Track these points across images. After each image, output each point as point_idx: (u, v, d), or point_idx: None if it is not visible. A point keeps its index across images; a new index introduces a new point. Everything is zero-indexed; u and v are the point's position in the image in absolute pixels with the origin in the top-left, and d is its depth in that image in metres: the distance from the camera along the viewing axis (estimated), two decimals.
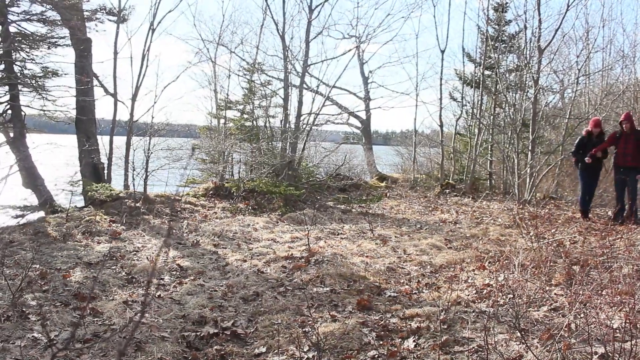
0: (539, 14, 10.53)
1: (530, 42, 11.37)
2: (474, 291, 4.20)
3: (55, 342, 3.13)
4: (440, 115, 13.96)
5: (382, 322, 3.55)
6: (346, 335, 3.30)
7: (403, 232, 7.03)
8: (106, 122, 10.84)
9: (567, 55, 13.93)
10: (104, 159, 10.15)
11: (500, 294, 3.99)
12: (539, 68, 10.57)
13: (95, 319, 3.56)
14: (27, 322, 3.41)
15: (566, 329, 3.07)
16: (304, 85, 11.88)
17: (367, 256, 5.53)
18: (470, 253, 5.54)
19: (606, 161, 8.63)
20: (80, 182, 8.55)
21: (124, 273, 4.75)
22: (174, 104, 53.16)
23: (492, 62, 12.50)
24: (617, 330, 2.99)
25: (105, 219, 7.08)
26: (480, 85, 13.01)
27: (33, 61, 8.48)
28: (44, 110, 8.71)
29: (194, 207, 8.64)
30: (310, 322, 3.58)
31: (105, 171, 10.06)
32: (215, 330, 3.47)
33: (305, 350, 3.13)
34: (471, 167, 12.50)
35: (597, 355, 2.69)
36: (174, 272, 4.88)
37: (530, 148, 10.51)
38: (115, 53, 10.60)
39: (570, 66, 12.89)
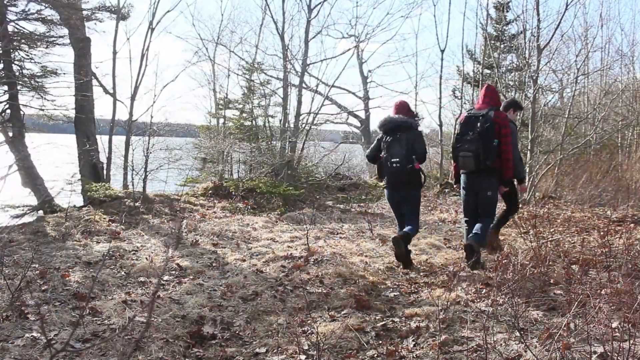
0: (538, 14, 10.55)
1: (530, 41, 11.38)
2: (473, 290, 4.20)
3: (54, 341, 3.12)
4: (440, 115, 14.00)
5: (381, 322, 3.56)
6: (345, 335, 3.30)
7: None
8: (105, 121, 10.84)
9: (566, 54, 13.94)
10: (103, 159, 10.15)
11: (499, 293, 4.00)
12: (538, 67, 10.56)
13: (95, 319, 3.55)
14: (26, 322, 3.40)
15: (565, 328, 3.07)
16: (303, 85, 11.91)
17: (366, 256, 5.53)
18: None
19: (606, 160, 8.57)
20: (80, 182, 8.54)
21: (123, 272, 4.75)
22: (173, 104, 53.24)
23: (492, 62, 12.50)
24: (616, 330, 2.99)
25: (104, 218, 7.08)
26: (480, 84, 13.02)
27: (32, 60, 8.48)
28: (43, 110, 8.71)
29: (193, 206, 8.63)
30: (309, 321, 3.58)
31: (105, 171, 10.05)
32: (215, 330, 3.47)
33: (304, 349, 3.13)
34: None
35: (596, 355, 2.70)
36: (173, 272, 4.87)
37: (529, 147, 10.51)
38: (114, 52, 10.60)
39: (569, 66, 12.88)
